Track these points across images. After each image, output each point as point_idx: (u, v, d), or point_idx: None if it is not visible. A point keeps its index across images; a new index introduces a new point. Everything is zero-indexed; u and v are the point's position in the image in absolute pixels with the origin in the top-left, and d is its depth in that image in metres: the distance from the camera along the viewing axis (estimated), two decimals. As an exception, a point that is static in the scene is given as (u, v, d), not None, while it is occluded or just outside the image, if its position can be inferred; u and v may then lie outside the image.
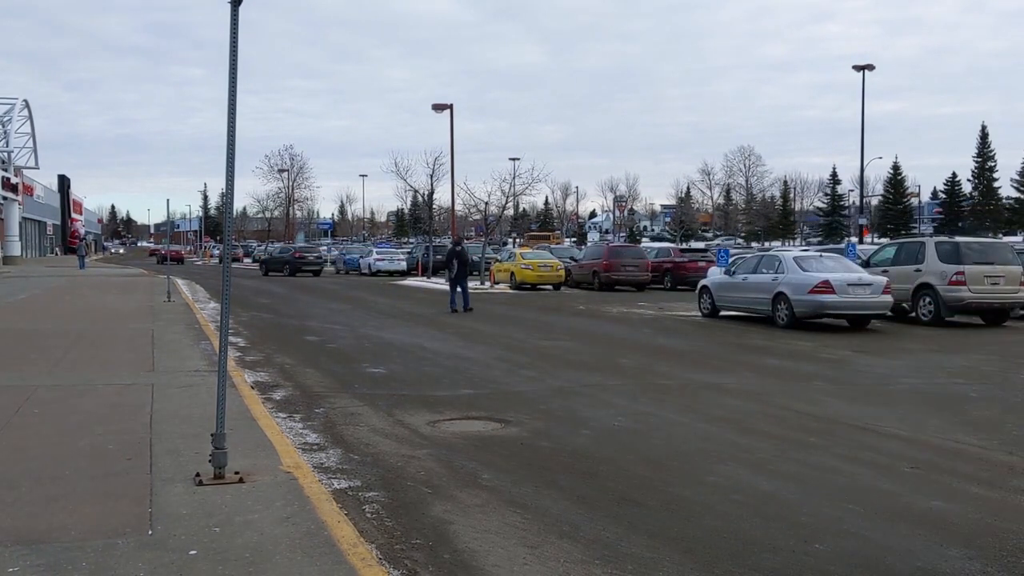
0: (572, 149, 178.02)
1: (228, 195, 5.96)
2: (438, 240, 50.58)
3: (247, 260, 71.22)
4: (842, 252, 23.39)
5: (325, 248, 73.67)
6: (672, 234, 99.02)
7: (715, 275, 22.53)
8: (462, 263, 22.55)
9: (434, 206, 46.20)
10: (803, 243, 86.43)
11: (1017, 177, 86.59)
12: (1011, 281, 18.51)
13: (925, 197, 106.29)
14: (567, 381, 10.91)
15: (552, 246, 52.57)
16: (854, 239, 38.68)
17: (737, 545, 4.97)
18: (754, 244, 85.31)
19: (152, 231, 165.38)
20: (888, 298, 17.88)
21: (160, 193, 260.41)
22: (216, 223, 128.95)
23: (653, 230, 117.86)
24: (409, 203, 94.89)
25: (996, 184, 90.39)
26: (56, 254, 79.77)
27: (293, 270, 44.08)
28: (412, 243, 74.30)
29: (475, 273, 38.53)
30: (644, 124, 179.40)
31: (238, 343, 14.64)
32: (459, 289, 22.36)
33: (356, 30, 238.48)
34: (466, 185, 46.55)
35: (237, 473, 5.84)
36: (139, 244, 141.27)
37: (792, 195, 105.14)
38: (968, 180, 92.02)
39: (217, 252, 79.76)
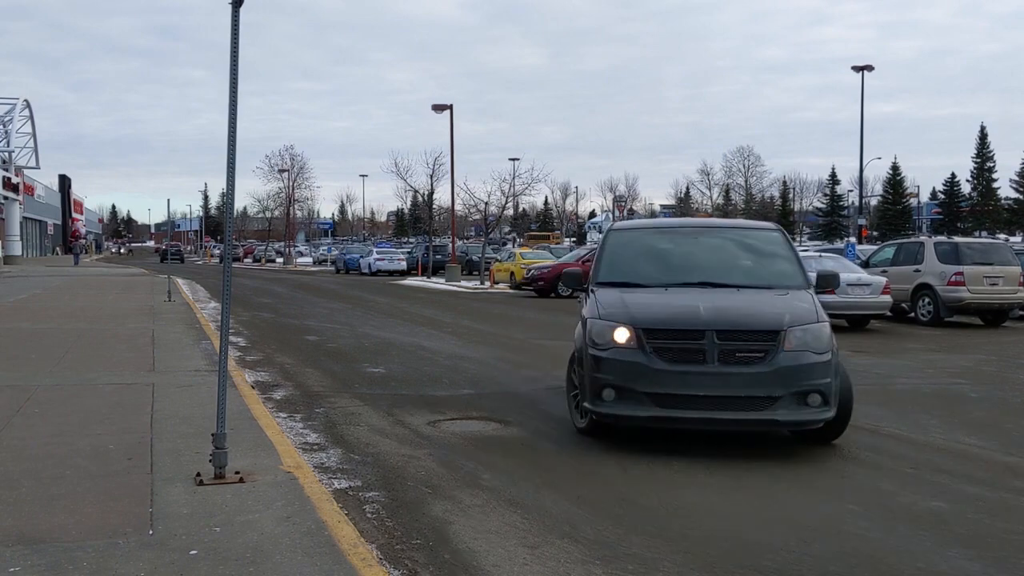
0: (572, 149, 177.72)
1: (229, 195, 5.97)
2: (437, 240, 50.47)
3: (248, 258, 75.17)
4: (841, 252, 23.40)
5: (325, 248, 74.87)
6: None
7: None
8: None
9: (434, 206, 46.16)
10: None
11: (1016, 178, 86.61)
12: (1010, 281, 18.53)
13: (924, 198, 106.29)
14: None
15: (552, 246, 52.50)
16: (853, 239, 38.66)
17: (737, 545, 4.98)
18: None
19: (152, 231, 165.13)
20: (887, 298, 17.88)
21: (161, 193, 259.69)
22: (217, 223, 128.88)
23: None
24: (409, 203, 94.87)
25: (995, 185, 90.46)
26: (57, 254, 79.75)
27: (163, 258, 60.50)
28: (412, 243, 74.20)
29: (475, 272, 38.60)
30: (644, 125, 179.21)
31: (238, 343, 14.65)
32: None
33: (357, 32, 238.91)
34: (466, 185, 46.37)
35: (238, 473, 5.84)
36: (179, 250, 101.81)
37: (791, 195, 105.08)
38: (967, 181, 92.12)
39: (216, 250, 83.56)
